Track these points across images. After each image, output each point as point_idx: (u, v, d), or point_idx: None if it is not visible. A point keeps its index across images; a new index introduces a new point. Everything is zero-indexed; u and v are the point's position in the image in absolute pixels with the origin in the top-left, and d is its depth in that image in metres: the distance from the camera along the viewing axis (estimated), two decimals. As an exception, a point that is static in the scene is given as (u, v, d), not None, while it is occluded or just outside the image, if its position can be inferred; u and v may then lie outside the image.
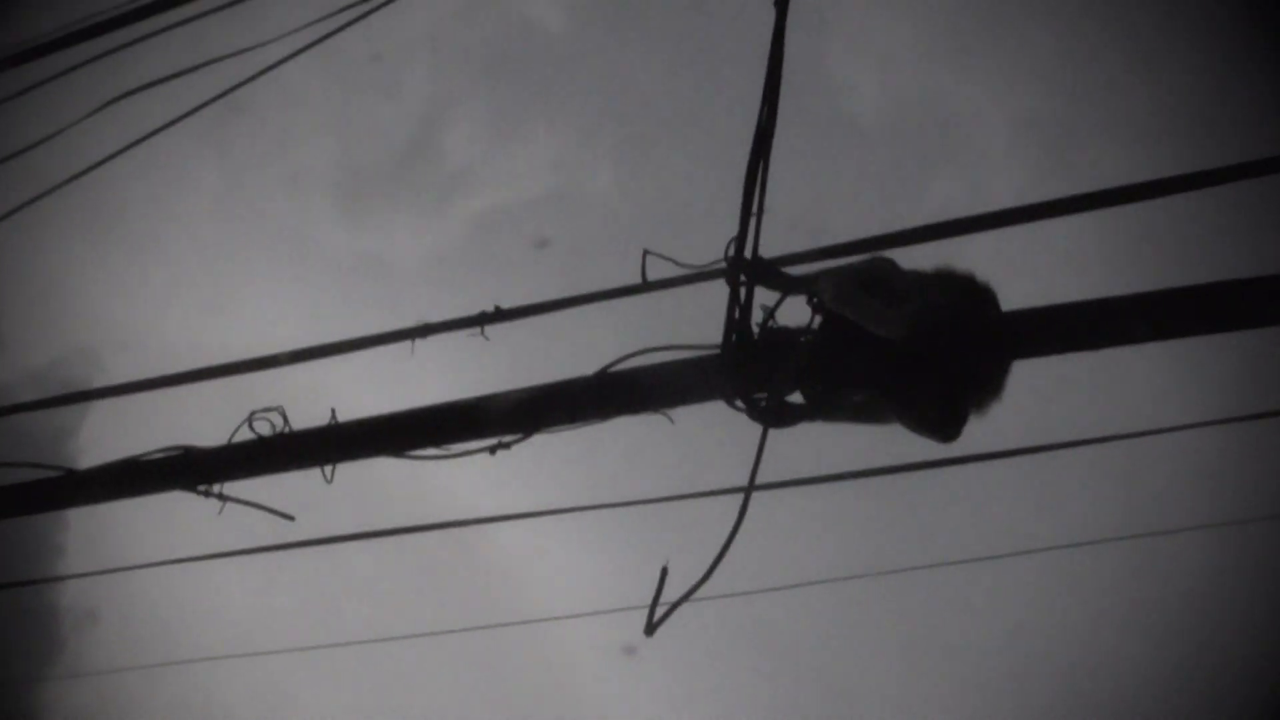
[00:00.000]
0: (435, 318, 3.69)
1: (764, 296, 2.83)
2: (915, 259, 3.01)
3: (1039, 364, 2.82)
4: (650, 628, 2.69)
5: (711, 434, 2.91)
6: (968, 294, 2.72)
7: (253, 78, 3.66)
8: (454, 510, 3.61)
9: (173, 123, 3.72)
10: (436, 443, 3.00)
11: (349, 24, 3.60)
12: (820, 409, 2.78)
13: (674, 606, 2.69)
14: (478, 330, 3.61)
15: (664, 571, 2.68)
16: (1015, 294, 2.90)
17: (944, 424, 2.73)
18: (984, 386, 2.70)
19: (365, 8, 3.61)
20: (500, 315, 3.58)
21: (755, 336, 2.79)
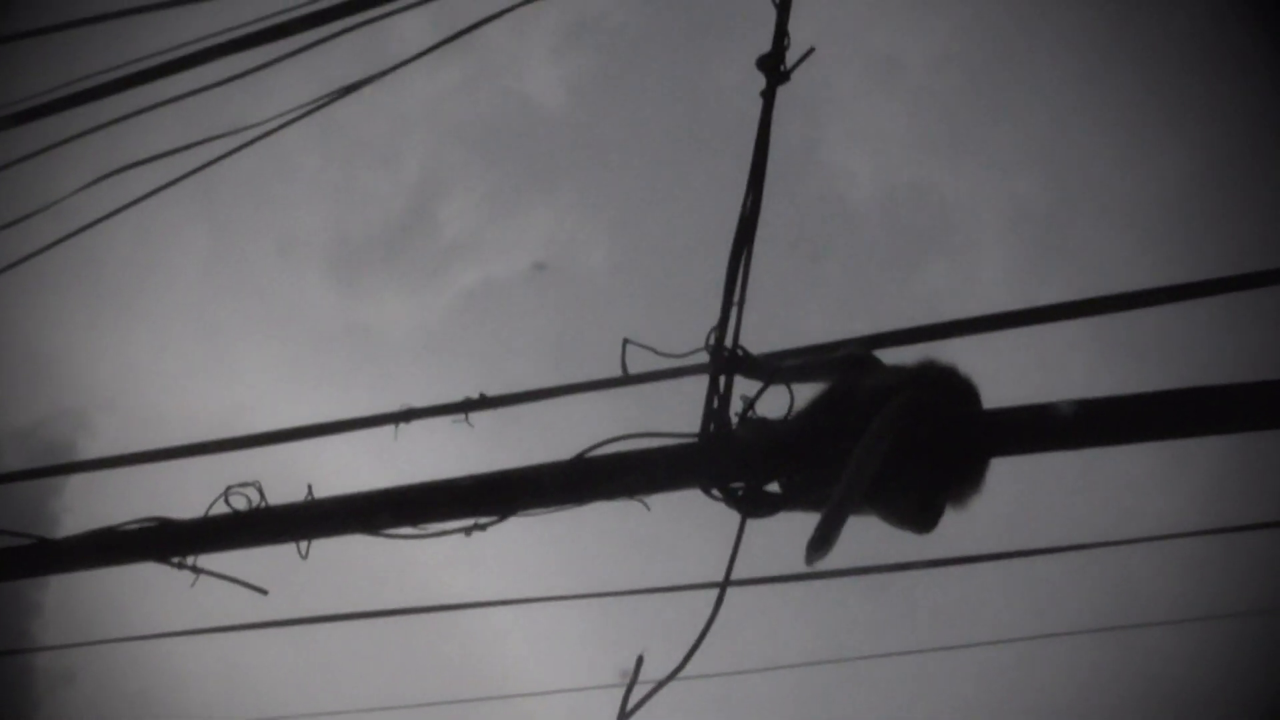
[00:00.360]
0: (420, 393, 3.75)
1: (746, 386, 2.85)
2: (901, 357, 3.04)
3: (1025, 462, 2.85)
4: (624, 716, 2.67)
5: (691, 522, 2.92)
6: (949, 388, 2.74)
7: (244, 145, 3.69)
8: (432, 588, 3.64)
9: (163, 188, 3.76)
10: (413, 522, 2.99)
11: (340, 94, 3.64)
12: (798, 498, 2.78)
13: (648, 696, 2.67)
14: (462, 417, 3.65)
15: (639, 661, 2.67)
16: (1003, 392, 2.93)
17: (921, 518, 2.74)
18: (963, 482, 2.71)
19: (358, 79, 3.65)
20: (484, 403, 3.64)
21: (733, 426, 2.80)
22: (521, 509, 2.93)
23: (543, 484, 2.89)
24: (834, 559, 3.02)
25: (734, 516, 2.79)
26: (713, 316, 2.87)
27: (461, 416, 3.63)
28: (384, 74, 3.61)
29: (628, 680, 2.64)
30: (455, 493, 2.96)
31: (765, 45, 2.86)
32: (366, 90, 3.91)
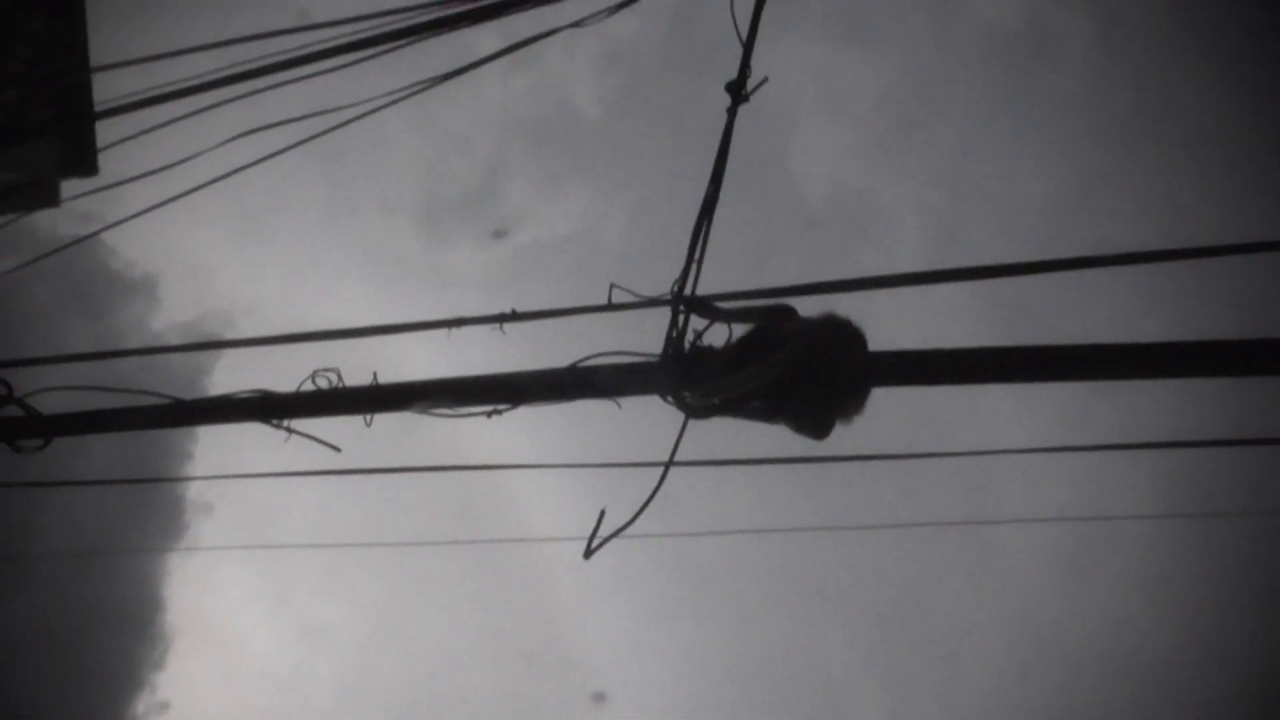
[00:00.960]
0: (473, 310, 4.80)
1: (697, 323, 3.83)
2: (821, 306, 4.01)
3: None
4: (588, 553, 3.69)
5: (651, 420, 3.92)
6: (842, 334, 3.69)
7: (354, 119, 4.76)
8: (464, 459, 4.70)
9: (294, 146, 4.86)
10: (449, 405, 4.01)
11: (427, 87, 4.66)
12: (729, 409, 3.76)
13: (606, 540, 3.69)
14: (498, 326, 4.68)
15: (602, 513, 3.68)
16: (902, 340, 3.89)
17: (817, 428, 3.71)
18: (848, 403, 3.67)
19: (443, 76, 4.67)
20: (515, 316, 4.65)
21: (686, 351, 3.78)
22: (527, 402, 3.94)
23: (545, 385, 3.90)
24: (765, 451, 4.02)
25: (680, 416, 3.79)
26: (679, 270, 3.85)
27: (498, 326, 4.65)
28: (453, 75, 4.63)
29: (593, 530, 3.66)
30: (481, 385, 3.98)
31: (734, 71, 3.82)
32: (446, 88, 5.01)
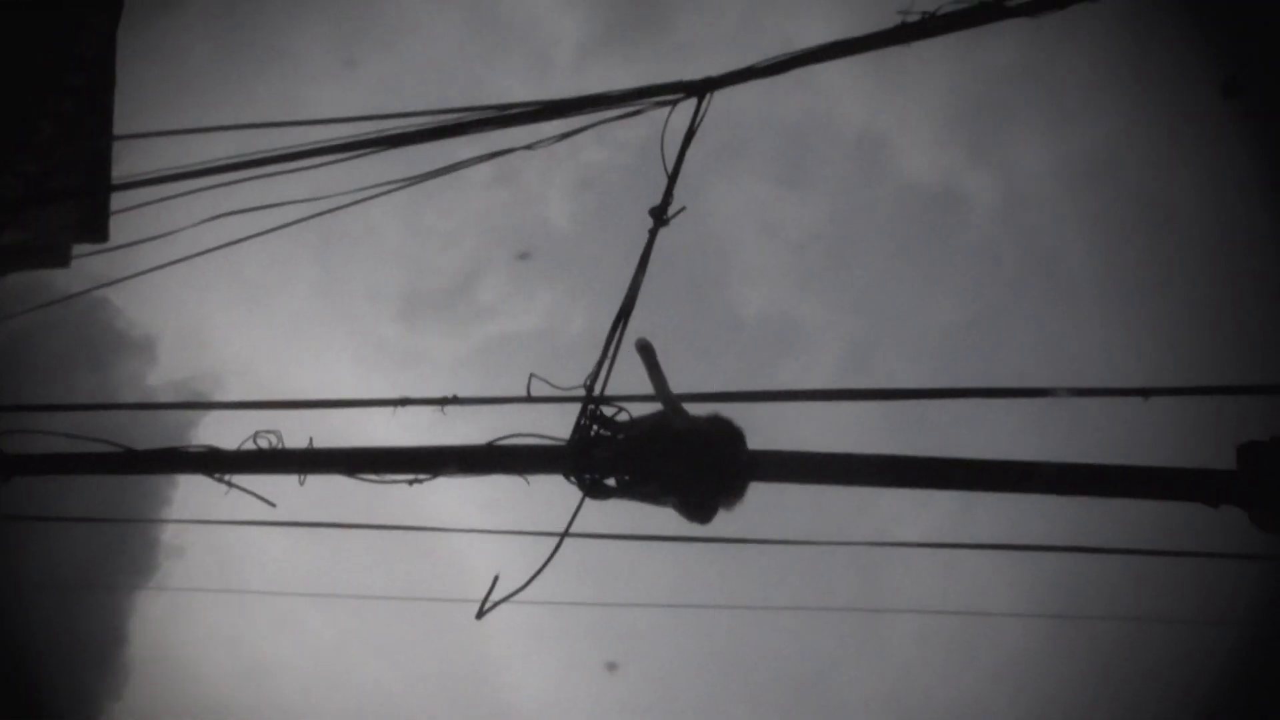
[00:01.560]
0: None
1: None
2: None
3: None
4: (480, 614, 3.99)
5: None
6: (725, 432, 4.02)
7: (340, 207, 5.21)
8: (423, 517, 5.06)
9: (280, 227, 5.33)
10: (375, 471, 4.34)
11: (409, 185, 5.09)
12: (624, 491, 4.09)
13: (498, 603, 3.99)
14: (440, 408, 5.03)
15: (495, 578, 3.99)
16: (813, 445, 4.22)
17: (701, 514, 4.04)
18: (730, 494, 3.99)
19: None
20: (456, 400, 4.99)
21: (589, 438, 4.12)
22: (445, 473, 4.27)
23: (461, 459, 4.23)
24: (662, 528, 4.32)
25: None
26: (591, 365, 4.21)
27: (440, 409, 5.00)
28: (431, 175, 5.07)
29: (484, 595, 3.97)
30: (406, 457, 4.31)
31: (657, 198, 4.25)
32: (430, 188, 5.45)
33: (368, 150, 5.49)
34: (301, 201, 5.82)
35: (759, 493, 4.10)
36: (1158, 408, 3.82)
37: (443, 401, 4.99)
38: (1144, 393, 3.82)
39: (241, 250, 6.25)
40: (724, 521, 4.10)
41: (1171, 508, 3.64)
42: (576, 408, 4.39)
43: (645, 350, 4.33)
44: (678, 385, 4.46)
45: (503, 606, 4.07)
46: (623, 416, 4.17)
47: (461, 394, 5.03)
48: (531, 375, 4.33)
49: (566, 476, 4.11)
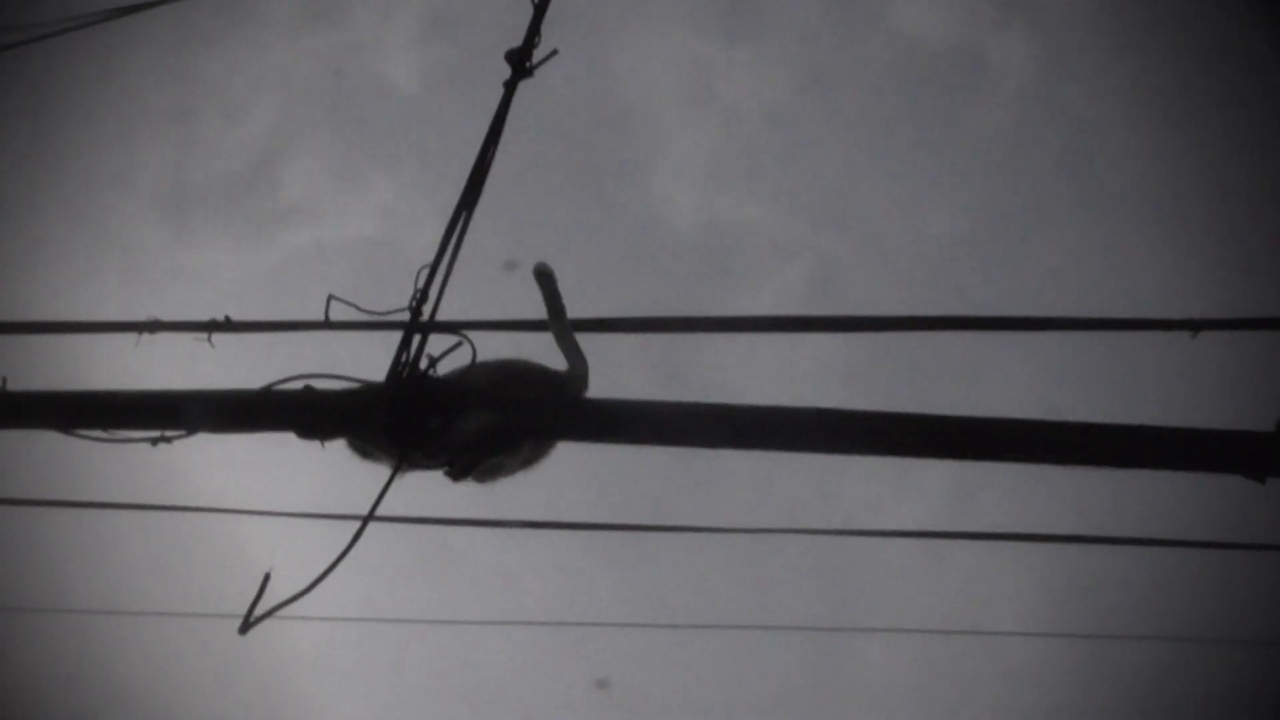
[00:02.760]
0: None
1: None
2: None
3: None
4: (245, 627, 2.77)
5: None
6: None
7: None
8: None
9: None
10: (104, 426, 3.05)
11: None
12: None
13: (270, 613, 2.77)
14: (205, 336, 3.73)
15: (266, 577, 2.77)
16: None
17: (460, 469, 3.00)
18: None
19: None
20: (228, 326, 3.71)
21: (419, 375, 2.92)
22: (206, 429, 3.01)
23: (227, 408, 2.97)
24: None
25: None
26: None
27: (204, 336, 3.71)
28: None
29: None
30: (147, 403, 3.03)
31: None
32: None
33: None
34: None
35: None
36: (1206, 346, 2.85)
37: (210, 327, 3.70)
38: (1192, 325, 2.85)
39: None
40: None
41: (1221, 486, 2.67)
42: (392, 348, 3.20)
43: (545, 278, 3.26)
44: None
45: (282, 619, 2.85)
46: (462, 355, 2.97)
47: (238, 318, 3.75)
48: (331, 297, 3.10)
49: (376, 438, 2.91)
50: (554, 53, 3.01)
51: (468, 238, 3.00)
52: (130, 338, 3.79)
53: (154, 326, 3.78)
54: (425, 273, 2.98)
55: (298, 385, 2.95)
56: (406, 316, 2.97)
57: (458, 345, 2.92)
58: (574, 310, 3.22)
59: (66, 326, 3.76)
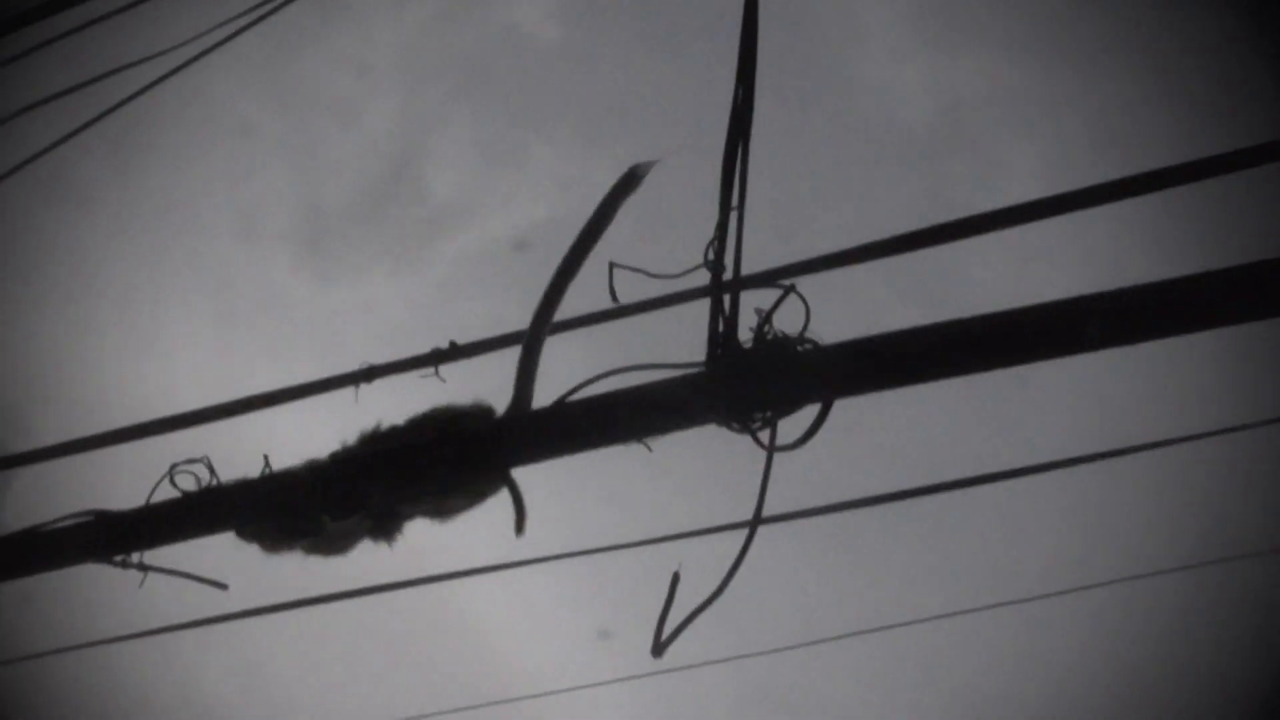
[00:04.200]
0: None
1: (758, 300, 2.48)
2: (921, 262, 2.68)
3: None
4: (659, 647, 2.32)
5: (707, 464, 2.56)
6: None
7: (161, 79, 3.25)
8: (423, 569, 3.24)
9: (67, 137, 3.32)
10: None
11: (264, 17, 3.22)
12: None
13: (682, 625, 2.32)
14: (432, 370, 3.27)
15: (675, 578, 2.31)
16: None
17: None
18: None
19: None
20: (455, 353, 3.25)
21: (745, 347, 2.43)
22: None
23: (524, 436, 2.52)
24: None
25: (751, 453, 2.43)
26: (708, 228, 2.50)
27: (431, 370, 3.25)
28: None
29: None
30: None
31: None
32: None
33: None
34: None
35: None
36: None
37: (435, 359, 3.23)
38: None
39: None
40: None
41: None
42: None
43: (635, 181, 2.69)
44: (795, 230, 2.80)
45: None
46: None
47: (455, 341, 3.28)
48: (613, 265, 2.58)
49: (723, 423, 2.42)
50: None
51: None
52: (347, 397, 3.35)
53: (370, 374, 3.34)
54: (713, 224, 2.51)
55: (585, 395, 2.49)
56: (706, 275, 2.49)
57: (785, 296, 2.44)
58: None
59: (280, 396, 3.30)
